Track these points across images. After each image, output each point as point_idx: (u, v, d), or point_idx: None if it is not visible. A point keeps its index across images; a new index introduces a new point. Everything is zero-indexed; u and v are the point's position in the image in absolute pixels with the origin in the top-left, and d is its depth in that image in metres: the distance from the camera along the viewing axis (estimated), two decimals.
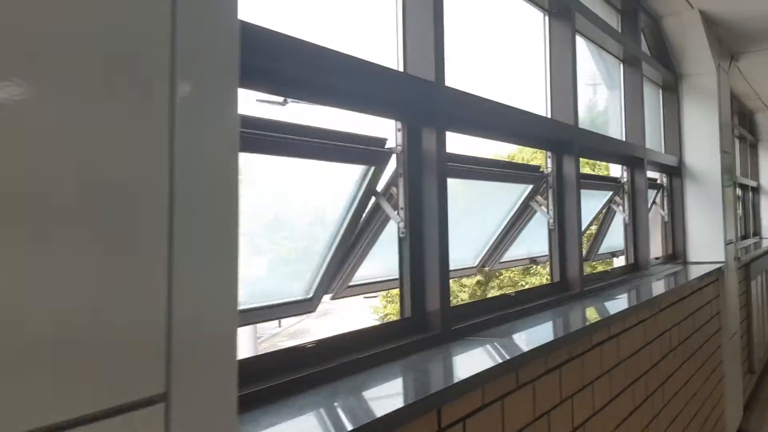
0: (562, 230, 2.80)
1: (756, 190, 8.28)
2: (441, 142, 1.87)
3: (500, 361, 1.60)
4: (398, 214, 1.85)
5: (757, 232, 8.31)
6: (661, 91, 4.54)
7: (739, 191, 7.05)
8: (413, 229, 1.84)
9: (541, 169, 2.84)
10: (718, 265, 4.22)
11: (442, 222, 1.83)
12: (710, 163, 4.39)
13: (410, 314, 1.82)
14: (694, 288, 3.72)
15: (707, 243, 4.36)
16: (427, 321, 1.83)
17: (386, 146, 1.84)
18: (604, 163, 6.11)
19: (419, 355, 1.66)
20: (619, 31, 3.83)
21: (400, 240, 1.85)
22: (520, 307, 2.29)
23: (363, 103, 1.71)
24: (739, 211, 7.12)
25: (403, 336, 1.73)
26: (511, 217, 2.82)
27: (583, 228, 3.51)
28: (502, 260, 3.04)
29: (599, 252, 3.81)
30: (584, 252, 3.12)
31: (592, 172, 6.52)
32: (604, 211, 3.71)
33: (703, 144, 4.41)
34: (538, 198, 2.82)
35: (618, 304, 2.71)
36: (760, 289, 5.85)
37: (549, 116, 2.86)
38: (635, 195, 3.74)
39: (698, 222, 4.39)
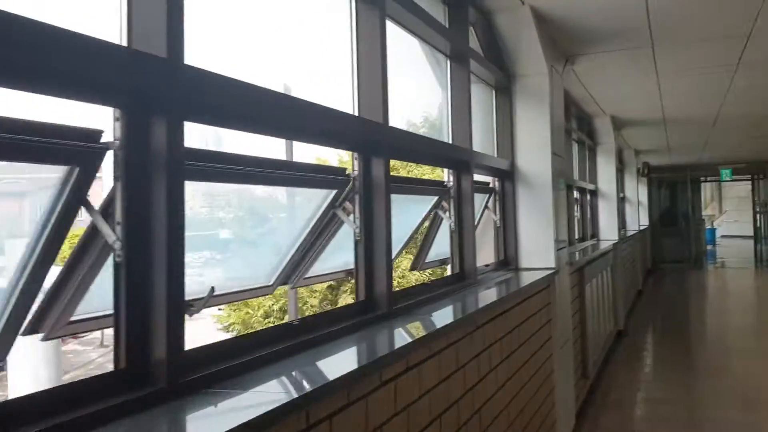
0: (370, 241, 2.45)
1: (594, 193, 8.40)
2: (175, 135, 1.45)
3: None
4: (112, 229, 1.41)
5: (595, 235, 8.38)
6: (494, 92, 4.32)
7: (577, 194, 7.23)
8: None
9: (347, 172, 2.46)
10: (549, 272, 4.07)
11: (171, 240, 1.42)
12: (542, 166, 4.24)
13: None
14: (521, 297, 3.53)
15: (539, 248, 4.21)
16: (148, 373, 1.39)
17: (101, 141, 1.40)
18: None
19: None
20: (446, 24, 3.50)
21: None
22: (305, 337, 1.90)
23: (71, 86, 1.30)
24: (577, 214, 7.27)
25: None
26: (313, 228, 2.41)
27: (408, 237, 3.31)
28: (307, 276, 2.63)
29: (427, 261, 3.56)
30: (412, 261, 3.01)
31: (423, 176, 6.36)
32: (431, 217, 3.45)
33: (534, 147, 4.26)
34: (346, 205, 2.45)
35: (428, 323, 2.44)
36: (594, 293, 5.92)
37: (356, 113, 2.50)
38: (461, 200, 3.45)
39: (530, 227, 4.24)
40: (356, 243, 2.47)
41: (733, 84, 6.12)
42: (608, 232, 8.13)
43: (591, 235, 7.93)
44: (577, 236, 7.18)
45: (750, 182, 18.74)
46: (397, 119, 2.72)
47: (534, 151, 4.24)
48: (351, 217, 2.46)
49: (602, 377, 6.02)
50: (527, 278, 3.79)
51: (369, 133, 2.44)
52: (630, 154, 12.22)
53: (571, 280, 4.87)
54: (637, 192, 12.75)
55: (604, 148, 8.11)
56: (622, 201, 12.06)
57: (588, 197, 8.04)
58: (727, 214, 30.53)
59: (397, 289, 2.66)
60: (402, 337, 2.21)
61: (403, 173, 8.76)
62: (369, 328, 2.25)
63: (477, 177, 3.68)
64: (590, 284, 5.68)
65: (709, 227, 24.42)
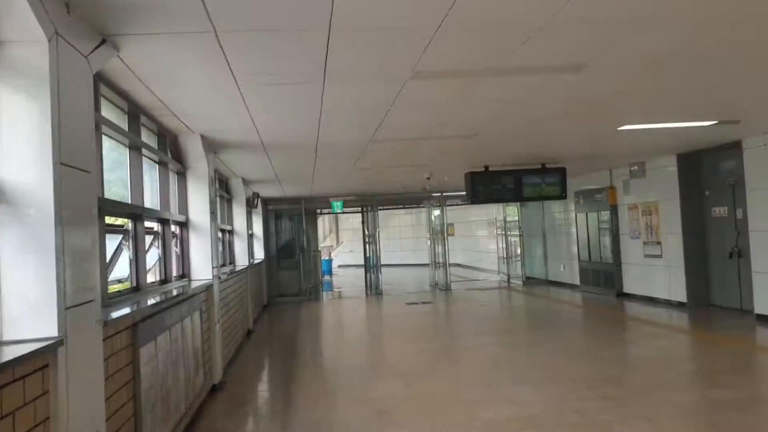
0: None
1: (185, 225, 7.07)
2: None
3: None
4: None
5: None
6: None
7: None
8: None
9: None
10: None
11: None
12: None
13: None
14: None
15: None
16: None
17: None
18: None
19: None
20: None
21: None
22: None
23: None
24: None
25: None
26: None
27: None
28: None
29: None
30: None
31: None
32: None
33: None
34: None
35: None
36: (164, 352, 4.57)
37: None
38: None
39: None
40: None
41: (325, 101, 5.49)
42: (202, 271, 6.91)
43: (180, 276, 6.80)
44: (157, 278, 6.03)
45: (360, 214, 19.83)
46: None
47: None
48: None
49: None
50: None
51: None
52: (238, 183, 11.42)
53: (109, 346, 3.53)
54: (246, 224, 12.02)
55: (196, 174, 6.91)
56: (229, 234, 11.16)
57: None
58: (343, 245, 32.57)
59: None
60: None
61: None
62: None
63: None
64: (154, 343, 4.33)
65: (326, 258, 25.45)
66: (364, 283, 18.41)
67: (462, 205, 19.91)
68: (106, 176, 4.41)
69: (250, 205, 12.66)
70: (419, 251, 28.06)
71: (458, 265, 24.47)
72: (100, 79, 4.25)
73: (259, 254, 15.77)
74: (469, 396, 6.18)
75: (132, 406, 3.85)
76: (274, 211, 17.60)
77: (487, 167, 11.54)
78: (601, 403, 5.60)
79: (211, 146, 7.36)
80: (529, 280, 18.15)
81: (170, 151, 6.62)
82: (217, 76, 4.54)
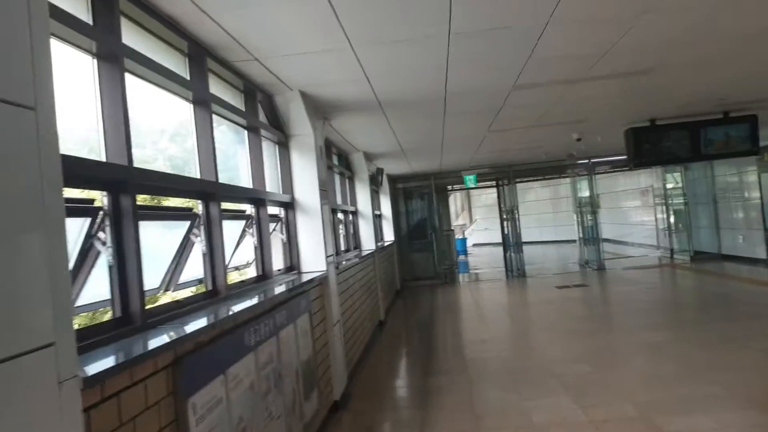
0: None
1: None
2: None
3: None
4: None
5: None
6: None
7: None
8: None
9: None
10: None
11: None
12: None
13: None
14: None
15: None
16: None
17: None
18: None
19: None
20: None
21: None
22: None
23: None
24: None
25: None
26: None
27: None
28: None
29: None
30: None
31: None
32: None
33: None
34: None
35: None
36: (235, 400, 3.31)
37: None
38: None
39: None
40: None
41: (453, 22, 3.99)
42: (314, 261, 6.05)
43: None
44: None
45: (495, 189, 18.22)
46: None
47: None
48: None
49: None
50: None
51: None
52: (360, 159, 10.35)
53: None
54: (371, 203, 10.82)
55: (301, 143, 6.06)
56: (352, 215, 10.07)
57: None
58: (477, 222, 30.94)
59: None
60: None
61: None
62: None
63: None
64: (222, 380, 3.05)
65: (459, 237, 23.97)
66: (502, 263, 16.78)
67: (610, 172, 17.66)
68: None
69: (374, 182, 11.40)
70: (559, 227, 26.34)
71: (605, 240, 22.10)
72: None
73: (389, 236, 14.58)
74: (669, 426, 4.48)
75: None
76: (403, 189, 16.38)
77: (653, 120, 9.50)
78: None
79: (318, 109, 6.12)
80: (696, 255, 15.61)
81: (267, 117, 5.44)
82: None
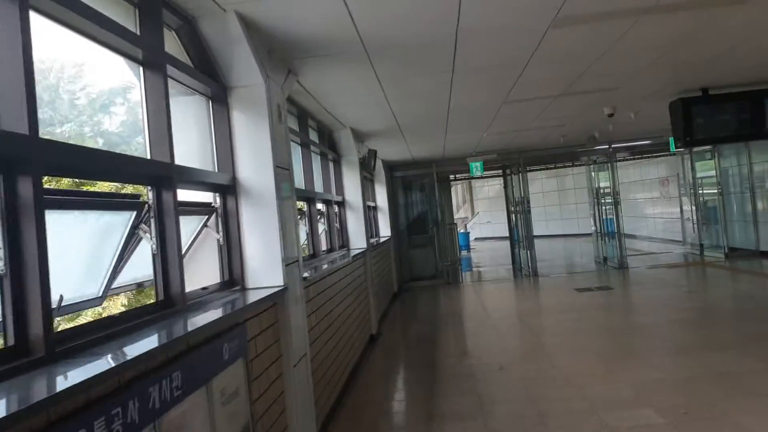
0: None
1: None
2: None
3: None
4: None
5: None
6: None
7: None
8: None
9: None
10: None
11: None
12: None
13: None
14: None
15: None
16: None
17: None
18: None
19: None
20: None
21: None
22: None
23: None
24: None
25: None
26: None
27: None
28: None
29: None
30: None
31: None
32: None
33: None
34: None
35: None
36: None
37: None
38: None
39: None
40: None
41: None
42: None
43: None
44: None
45: (502, 178, 16.52)
46: None
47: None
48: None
49: None
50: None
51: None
52: (347, 136, 8.44)
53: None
54: (362, 193, 8.95)
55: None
56: (338, 207, 8.30)
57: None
58: (479, 215, 29.24)
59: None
60: None
61: None
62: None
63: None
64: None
65: (462, 231, 22.24)
66: (507, 259, 15.16)
67: (631, 159, 15.96)
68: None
69: (366, 167, 9.62)
70: (567, 220, 24.87)
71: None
72: None
73: (385, 231, 12.83)
74: None
75: None
76: (401, 178, 14.65)
77: (705, 90, 7.73)
78: None
79: (276, 51, 4.36)
80: (731, 252, 13.86)
81: (190, 57, 3.69)
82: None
